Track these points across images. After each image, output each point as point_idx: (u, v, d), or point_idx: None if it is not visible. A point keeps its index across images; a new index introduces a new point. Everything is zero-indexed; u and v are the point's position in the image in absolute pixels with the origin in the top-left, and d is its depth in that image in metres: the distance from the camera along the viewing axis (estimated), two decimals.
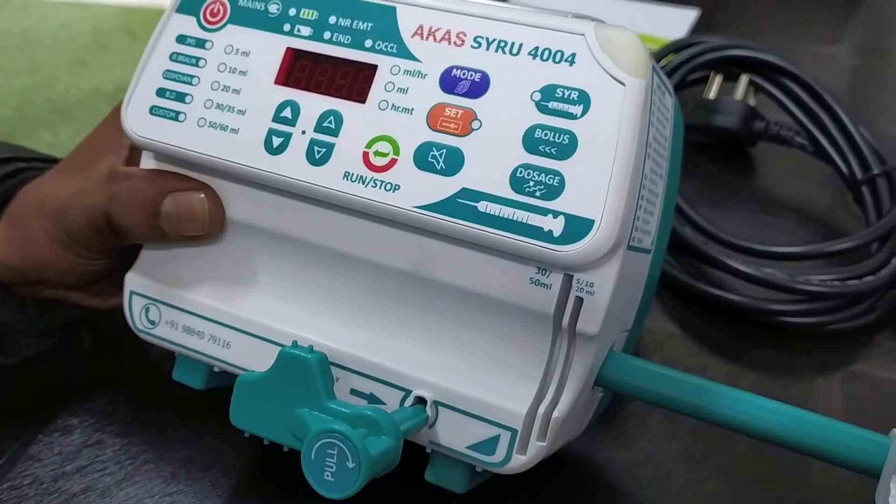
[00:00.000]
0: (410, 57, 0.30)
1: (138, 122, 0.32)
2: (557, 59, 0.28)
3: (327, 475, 0.25)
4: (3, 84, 0.73)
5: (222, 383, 0.35)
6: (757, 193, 0.53)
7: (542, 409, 0.29)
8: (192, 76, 0.32)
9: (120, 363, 0.42)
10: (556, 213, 0.27)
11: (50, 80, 0.73)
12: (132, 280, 0.34)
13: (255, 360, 0.32)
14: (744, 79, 0.53)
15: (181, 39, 0.33)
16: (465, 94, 0.29)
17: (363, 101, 0.30)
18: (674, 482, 0.36)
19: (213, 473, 0.36)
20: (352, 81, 0.30)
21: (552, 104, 0.28)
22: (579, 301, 0.28)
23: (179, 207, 0.32)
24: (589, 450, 0.37)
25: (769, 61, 0.52)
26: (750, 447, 0.37)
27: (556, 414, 0.29)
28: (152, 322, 0.34)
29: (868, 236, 0.45)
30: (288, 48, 0.31)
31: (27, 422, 0.38)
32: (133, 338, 0.43)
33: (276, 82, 0.31)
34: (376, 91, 0.30)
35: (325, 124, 0.30)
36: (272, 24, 0.31)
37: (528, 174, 0.27)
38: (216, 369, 0.34)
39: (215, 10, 0.32)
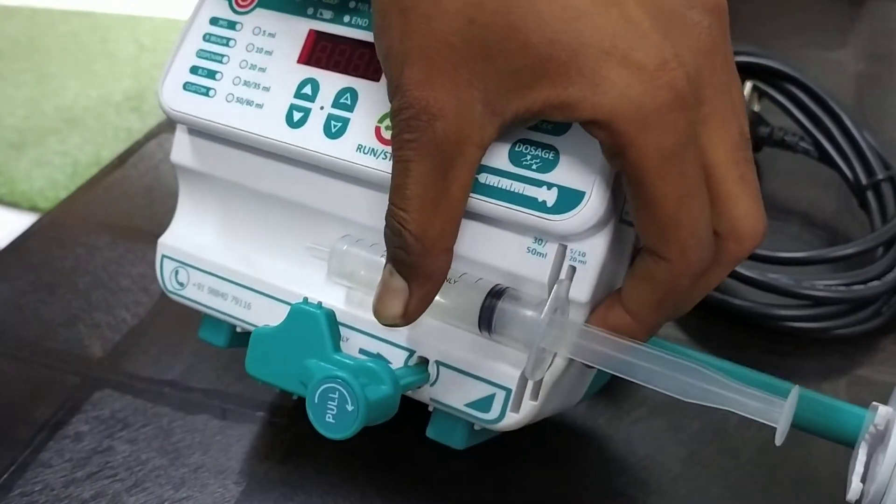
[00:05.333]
0: None
1: (173, 97, 0.34)
2: None
3: (329, 417, 0.27)
4: (12, 93, 0.73)
5: (244, 343, 0.36)
6: (762, 198, 0.53)
7: None
8: (222, 55, 0.34)
9: (129, 369, 0.42)
10: (549, 185, 0.28)
11: (58, 89, 0.73)
12: (164, 245, 0.36)
13: (272, 319, 0.33)
14: (748, 85, 0.53)
15: (214, 21, 0.35)
16: None
17: (377, 80, 0.31)
18: (679, 487, 0.36)
19: (222, 480, 0.36)
20: (368, 61, 0.32)
21: None
22: (572, 270, 0.29)
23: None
24: (595, 455, 0.37)
25: (773, 67, 0.53)
26: (755, 453, 0.37)
27: (547, 376, 0.30)
28: (181, 284, 0.36)
29: (873, 241, 0.45)
30: (310, 30, 0.33)
31: (37, 429, 0.39)
32: (140, 344, 0.44)
33: (299, 61, 0.33)
34: None
35: (341, 100, 0.32)
36: (297, 9, 0.33)
37: (526, 148, 0.29)
38: (238, 329, 0.36)
39: None
